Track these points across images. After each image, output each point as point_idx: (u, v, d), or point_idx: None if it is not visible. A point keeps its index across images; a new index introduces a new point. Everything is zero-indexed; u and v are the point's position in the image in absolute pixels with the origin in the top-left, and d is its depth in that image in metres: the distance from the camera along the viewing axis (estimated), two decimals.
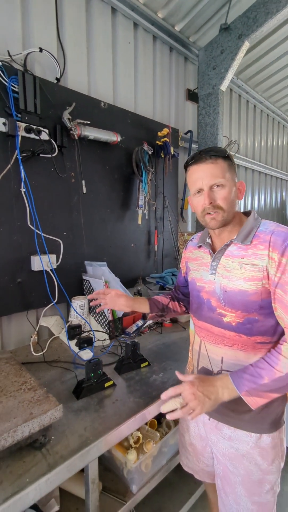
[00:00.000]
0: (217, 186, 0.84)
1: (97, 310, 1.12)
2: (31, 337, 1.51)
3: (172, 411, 0.77)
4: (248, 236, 0.84)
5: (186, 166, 0.91)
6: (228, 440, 0.91)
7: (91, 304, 1.16)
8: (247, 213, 0.92)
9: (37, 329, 1.55)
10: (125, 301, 1.09)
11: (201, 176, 0.85)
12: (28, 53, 1.46)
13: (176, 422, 1.34)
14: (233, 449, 0.90)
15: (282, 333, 0.85)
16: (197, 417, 0.77)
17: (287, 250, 0.77)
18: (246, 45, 2.16)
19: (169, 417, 0.77)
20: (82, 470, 0.92)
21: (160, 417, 1.37)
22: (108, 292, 1.11)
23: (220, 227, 0.88)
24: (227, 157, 0.85)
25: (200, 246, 1.01)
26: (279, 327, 0.84)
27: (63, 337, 1.55)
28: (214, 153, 0.84)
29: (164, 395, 0.79)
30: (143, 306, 1.12)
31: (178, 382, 1.19)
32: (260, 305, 0.82)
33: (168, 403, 0.78)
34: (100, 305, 1.13)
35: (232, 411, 0.89)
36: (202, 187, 0.85)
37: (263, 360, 0.79)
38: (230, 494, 0.91)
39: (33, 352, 1.41)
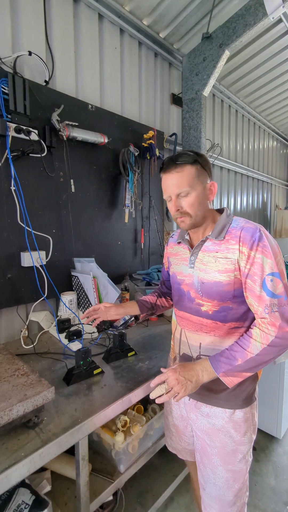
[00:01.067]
0: (183, 195, 0.91)
1: (93, 325, 1.22)
2: (21, 331, 1.55)
3: (160, 396, 0.86)
4: (221, 232, 0.93)
5: (160, 172, 0.98)
6: (206, 417, 1.00)
7: (85, 322, 1.24)
8: (220, 211, 1.02)
9: (27, 324, 1.60)
10: (115, 310, 1.19)
11: (169, 185, 0.92)
12: (17, 56, 1.51)
13: (161, 407, 1.42)
14: (210, 424, 0.99)
15: (253, 318, 0.95)
16: (181, 399, 0.85)
17: (255, 244, 0.86)
18: (227, 53, 2.29)
19: (157, 401, 0.85)
20: (72, 453, 0.99)
21: (146, 403, 1.46)
22: (98, 307, 1.20)
23: (190, 229, 0.97)
24: (195, 162, 0.90)
25: (179, 242, 1.08)
26: (250, 313, 0.94)
27: (53, 331, 1.61)
28: (181, 159, 0.90)
29: (152, 383, 0.88)
30: (133, 309, 1.22)
31: (162, 367, 1.28)
32: (233, 294, 0.91)
33: (155, 390, 0.87)
34: (94, 320, 1.22)
35: (209, 391, 0.98)
36: (170, 195, 0.93)
37: (236, 344, 0.89)
38: (207, 465, 1.00)
39: (23, 345, 1.46)
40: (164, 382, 0.87)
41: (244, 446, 0.97)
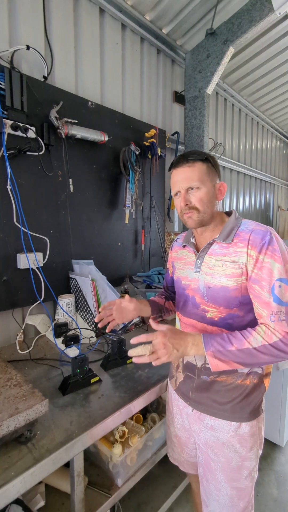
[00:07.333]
0: (192, 188, 0.89)
1: (107, 330, 1.06)
2: (17, 335, 1.50)
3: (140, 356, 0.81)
4: (229, 235, 0.89)
5: (170, 169, 0.96)
6: (210, 429, 0.95)
7: (99, 325, 1.06)
8: (228, 213, 0.97)
9: (23, 328, 1.54)
10: (135, 306, 1.06)
11: (179, 179, 0.90)
12: (15, 50, 1.45)
13: (161, 416, 1.37)
14: (214, 438, 0.94)
15: None
16: (159, 363, 0.80)
17: (264, 247, 0.81)
18: (231, 50, 2.22)
19: (135, 360, 0.81)
20: (68, 466, 0.93)
21: (145, 411, 1.40)
22: (113, 303, 1.05)
23: (197, 226, 0.92)
24: (206, 160, 0.90)
25: (184, 246, 1.04)
26: (257, 322, 0.89)
27: (50, 335, 1.55)
28: (192, 156, 0.89)
29: (135, 340, 0.82)
30: (146, 309, 1.12)
31: (162, 376, 1.23)
32: (240, 301, 0.86)
33: (137, 348, 0.81)
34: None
35: (214, 402, 0.93)
36: (180, 190, 0.91)
37: (237, 332, 0.82)
38: (211, 481, 0.95)
39: (19, 350, 1.41)
40: (149, 342, 0.82)
41: (250, 462, 0.92)
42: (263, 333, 0.79)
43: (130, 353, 0.82)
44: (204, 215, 0.90)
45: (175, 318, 1.18)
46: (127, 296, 1.06)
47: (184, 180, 0.89)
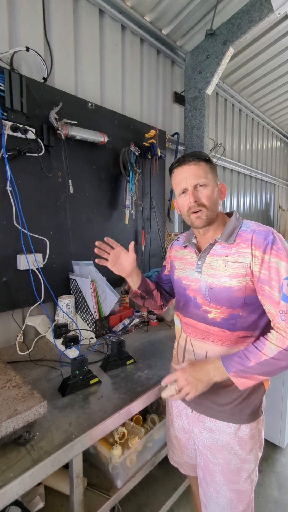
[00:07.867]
0: (201, 185, 0.89)
1: (97, 261, 1.02)
2: (17, 336, 1.50)
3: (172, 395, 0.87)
4: (231, 235, 0.89)
5: (171, 170, 0.96)
6: (209, 431, 0.94)
7: (95, 250, 1.02)
8: (229, 214, 0.97)
9: (23, 329, 1.54)
10: (132, 260, 1.02)
11: (186, 177, 0.90)
12: (14, 52, 1.46)
13: (161, 417, 1.37)
14: (213, 440, 0.93)
15: (263, 328, 0.90)
16: (192, 397, 0.84)
17: (268, 247, 0.81)
18: (231, 51, 2.22)
19: (170, 398, 0.87)
20: (67, 467, 0.93)
21: (145, 412, 1.40)
22: (117, 246, 1.03)
23: (205, 226, 0.92)
24: (208, 160, 0.91)
25: (186, 246, 1.04)
26: (260, 322, 0.89)
27: (50, 336, 1.55)
28: (196, 156, 0.90)
29: (163, 382, 0.90)
30: (137, 279, 1.08)
31: (161, 377, 1.23)
32: (244, 301, 0.86)
33: (166, 389, 0.88)
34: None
35: (213, 403, 0.93)
36: (187, 187, 0.90)
37: (251, 345, 0.84)
38: (210, 483, 0.95)
39: (18, 352, 1.41)
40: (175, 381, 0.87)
41: (250, 464, 0.92)
42: (275, 339, 0.80)
43: (162, 395, 0.89)
44: (212, 213, 0.91)
45: (173, 320, 1.18)
46: (132, 244, 1.02)
47: (192, 177, 0.89)
